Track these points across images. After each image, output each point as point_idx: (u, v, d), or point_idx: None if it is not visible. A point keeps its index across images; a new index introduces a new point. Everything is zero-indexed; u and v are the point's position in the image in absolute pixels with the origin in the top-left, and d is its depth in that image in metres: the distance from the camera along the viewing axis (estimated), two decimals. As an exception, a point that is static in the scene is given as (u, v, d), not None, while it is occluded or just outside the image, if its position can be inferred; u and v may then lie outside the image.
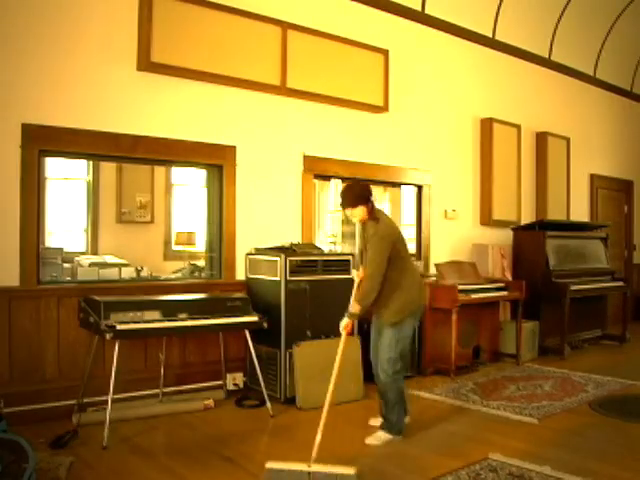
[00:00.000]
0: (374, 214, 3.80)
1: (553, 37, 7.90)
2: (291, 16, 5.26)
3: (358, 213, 3.78)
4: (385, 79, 5.92)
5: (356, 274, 3.90)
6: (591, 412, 4.53)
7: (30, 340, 4.11)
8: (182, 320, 4.16)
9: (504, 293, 6.18)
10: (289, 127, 5.39)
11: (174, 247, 7.10)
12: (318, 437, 3.25)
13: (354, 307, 3.73)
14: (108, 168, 6.53)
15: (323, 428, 3.30)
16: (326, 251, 5.51)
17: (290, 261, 4.67)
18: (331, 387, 3.55)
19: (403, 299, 3.80)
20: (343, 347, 3.61)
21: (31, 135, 4.08)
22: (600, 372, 5.77)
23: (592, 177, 8.88)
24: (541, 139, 7.85)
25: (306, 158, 5.49)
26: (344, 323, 3.74)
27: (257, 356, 4.46)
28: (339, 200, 3.87)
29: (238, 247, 5.06)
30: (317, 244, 5.47)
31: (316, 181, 5.76)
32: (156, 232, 7.05)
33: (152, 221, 7.01)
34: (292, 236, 5.28)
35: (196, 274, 5.42)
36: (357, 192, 3.80)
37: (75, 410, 4.07)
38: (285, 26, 5.18)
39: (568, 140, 8.14)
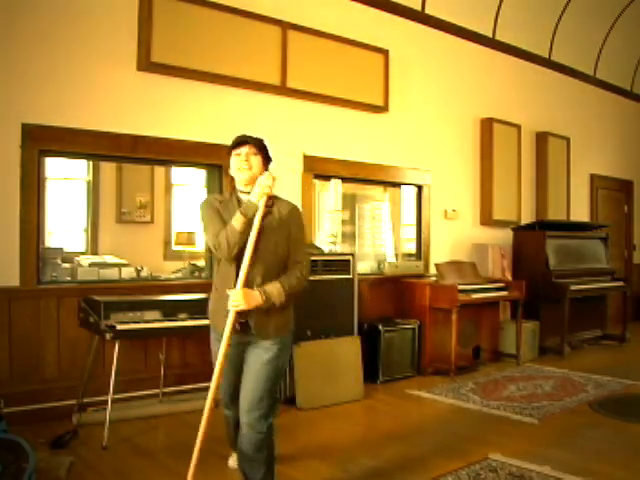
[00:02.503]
0: None
1: (553, 37, 7.90)
2: (291, 16, 5.25)
3: (257, 163, 2.70)
4: (385, 79, 5.92)
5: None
6: (591, 412, 4.53)
7: (30, 340, 4.10)
8: (182, 320, 4.16)
9: (504, 293, 6.18)
10: (289, 127, 5.39)
11: (174, 247, 7.10)
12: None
13: (280, 296, 2.60)
14: (108, 168, 6.54)
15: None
16: (326, 251, 5.51)
17: (290, 261, 4.67)
18: (211, 394, 2.71)
19: (291, 309, 2.84)
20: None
21: (31, 135, 4.08)
22: (600, 372, 5.77)
23: (592, 177, 8.88)
24: (541, 139, 7.84)
25: (306, 158, 5.49)
26: (254, 301, 2.55)
27: (257, 356, 4.45)
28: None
29: (238, 247, 5.05)
30: (317, 244, 5.47)
31: (316, 181, 5.76)
32: (156, 232, 7.05)
33: (152, 221, 7.02)
34: (292, 236, 5.27)
35: (196, 274, 5.42)
36: (266, 146, 2.81)
37: (75, 410, 4.07)
38: (285, 26, 5.18)
39: (568, 140, 8.14)
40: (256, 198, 2.57)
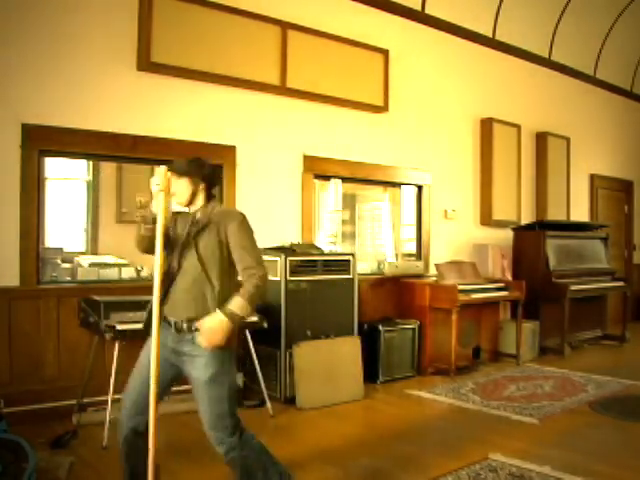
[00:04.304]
0: (210, 201, 2.65)
1: (553, 37, 7.90)
2: (291, 16, 5.26)
3: (180, 190, 2.58)
4: (385, 79, 5.92)
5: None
6: (591, 412, 4.53)
7: (30, 340, 4.11)
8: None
9: (504, 293, 6.18)
10: (289, 127, 5.39)
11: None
12: None
13: (244, 308, 2.44)
14: (108, 168, 6.53)
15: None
16: (326, 251, 5.51)
17: (290, 261, 4.68)
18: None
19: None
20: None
21: (31, 135, 4.08)
22: (600, 372, 5.77)
23: (592, 177, 8.88)
24: (541, 139, 7.84)
25: (306, 158, 5.49)
26: (220, 325, 2.41)
27: (257, 356, 4.46)
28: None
29: (238, 247, 5.05)
30: (317, 244, 5.47)
31: (316, 181, 5.76)
32: (156, 232, 7.04)
33: (152, 221, 7.00)
34: (292, 236, 5.28)
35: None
36: (199, 161, 2.65)
37: (75, 410, 4.07)
38: (285, 26, 5.19)
39: (568, 140, 8.14)
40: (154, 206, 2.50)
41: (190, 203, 2.61)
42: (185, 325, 2.51)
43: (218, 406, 2.47)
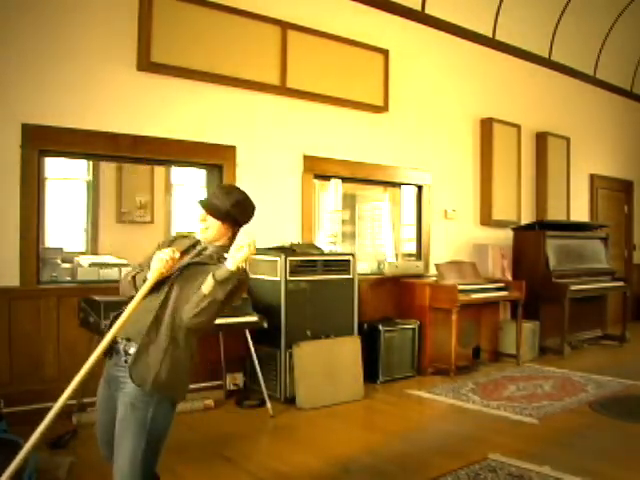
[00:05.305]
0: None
1: (553, 37, 7.90)
2: (291, 16, 5.25)
3: (213, 228, 2.28)
4: (385, 79, 5.92)
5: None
6: (591, 412, 4.53)
7: (30, 340, 4.11)
8: (182, 320, 4.15)
9: (504, 293, 6.18)
10: (289, 127, 5.39)
11: (174, 247, 7.08)
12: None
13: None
14: (108, 168, 6.54)
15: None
16: (326, 251, 5.51)
17: (290, 261, 4.68)
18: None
19: (187, 374, 2.33)
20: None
21: (31, 135, 4.08)
22: (600, 372, 5.76)
23: (592, 177, 8.88)
24: (541, 139, 7.84)
25: (306, 158, 5.49)
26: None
27: (257, 356, 4.46)
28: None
29: (238, 247, 5.05)
30: (317, 244, 5.47)
31: (316, 181, 5.76)
32: (156, 232, 7.06)
33: (152, 221, 7.02)
34: (292, 236, 5.28)
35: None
36: (243, 205, 2.30)
37: (75, 410, 4.07)
38: (285, 26, 5.18)
39: (568, 140, 8.14)
40: (234, 264, 2.06)
41: (212, 239, 2.31)
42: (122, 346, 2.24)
43: (124, 455, 2.16)
